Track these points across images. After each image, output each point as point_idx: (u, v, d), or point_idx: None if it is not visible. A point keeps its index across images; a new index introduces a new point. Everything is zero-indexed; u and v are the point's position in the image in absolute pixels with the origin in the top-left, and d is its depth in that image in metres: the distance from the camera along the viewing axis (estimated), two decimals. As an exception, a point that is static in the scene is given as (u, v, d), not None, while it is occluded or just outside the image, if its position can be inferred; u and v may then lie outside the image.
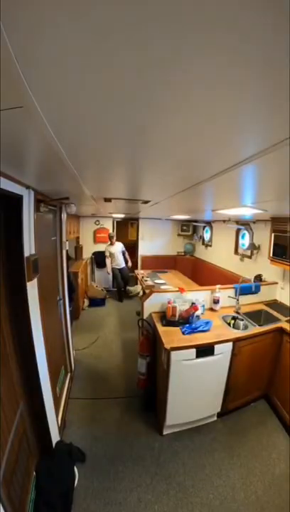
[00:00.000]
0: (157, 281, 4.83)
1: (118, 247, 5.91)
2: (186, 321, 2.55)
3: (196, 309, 2.60)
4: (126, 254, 6.15)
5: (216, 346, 2.24)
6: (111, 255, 5.85)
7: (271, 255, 3.01)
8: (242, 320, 2.72)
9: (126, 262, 6.08)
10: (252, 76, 0.43)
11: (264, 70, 0.41)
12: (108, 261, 5.88)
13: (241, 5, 0.29)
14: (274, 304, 3.24)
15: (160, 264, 6.66)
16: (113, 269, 5.93)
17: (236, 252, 4.58)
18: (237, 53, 0.37)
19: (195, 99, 0.52)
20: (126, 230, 8.79)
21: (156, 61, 0.40)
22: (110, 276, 6.29)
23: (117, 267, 5.92)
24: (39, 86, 0.48)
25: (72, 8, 0.30)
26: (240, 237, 4.43)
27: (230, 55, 0.38)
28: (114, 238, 5.91)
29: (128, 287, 6.29)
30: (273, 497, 1.86)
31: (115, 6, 0.30)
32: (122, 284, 6.13)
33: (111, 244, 5.86)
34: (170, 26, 0.33)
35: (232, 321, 2.75)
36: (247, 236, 4.10)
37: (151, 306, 2.82)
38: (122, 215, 6.14)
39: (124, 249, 6.06)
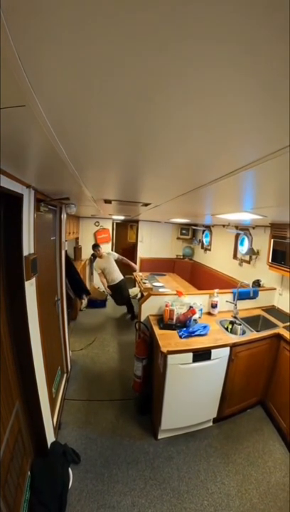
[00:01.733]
0: (155, 283, 4.82)
1: (108, 259, 4.92)
2: (183, 325, 2.54)
3: (194, 313, 2.59)
4: (124, 259, 5.16)
5: (213, 351, 2.23)
6: (104, 271, 4.87)
7: (269, 261, 3.02)
8: (240, 325, 2.72)
9: (129, 265, 5.20)
10: (253, 84, 0.43)
11: (266, 78, 0.41)
12: (102, 279, 4.89)
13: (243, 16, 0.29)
14: (272, 310, 3.24)
15: (159, 266, 6.65)
16: (110, 288, 4.99)
17: (235, 256, 4.59)
18: (238, 61, 0.37)
19: (196, 106, 0.52)
20: (126, 232, 8.82)
21: (158, 66, 0.40)
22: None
23: (113, 282, 4.92)
24: (42, 85, 0.48)
25: (75, 6, 0.30)
26: (239, 242, 4.44)
27: (232, 63, 0.38)
28: (101, 249, 4.87)
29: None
30: (268, 506, 1.85)
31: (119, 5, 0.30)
32: (127, 302, 5.20)
33: (100, 257, 4.88)
34: (172, 36, 0.33)
35: (230, 326, 2.74)
36: (246, 241, 4.11)
37: (149, 308, 2.82)
38: (122, 217, 6.13)
39: (116, 257, 5.06)
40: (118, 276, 4.97)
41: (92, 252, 6.52)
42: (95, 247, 4.91)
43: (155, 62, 0.39)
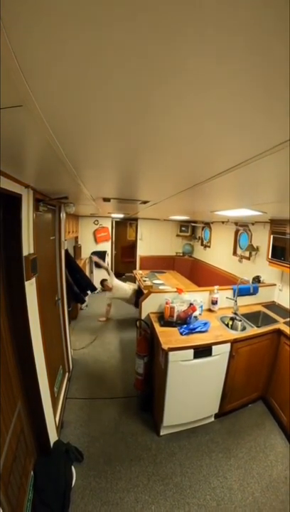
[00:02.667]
0: (155, 281, 4.82)
1: (115, 288, 4.72)
2: (184, 322, 2.55)
3: (194, 310, 2.60)
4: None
5: (214, 347, 2.24)
6: (118, 293, 4.72)
7: (269, 257, 3.02)
8: (240, 321, 2.72)
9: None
10: (252, 78, 0.43)
11: (265, 73, 0.41)
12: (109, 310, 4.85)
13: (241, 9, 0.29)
14: (272, 306, 3.25)
15: (159, 264, 6.66)
16: (128, 301, 4.86)
17: (234, 253, 4.59)
18: (237, 56, 0.37)
19: (194, 102, 0.52)
20: (125, 230, 8.79)
21: (156, 63, 0.40)
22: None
23: (127, 296, 4.76)
24: (38, 84, 0.48)
25: (72, 3, 0.30)
26: (239, 238, 4.44)
27: (230, 57, 0.38)
28: (108, 281, 4.70)
29: None
30: (270, 499, 1.86)
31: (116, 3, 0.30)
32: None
33: (109, 290, 4.71)
34: (170, 30, 0.33)
35: (230, 322, 2.75)
36: (246, 237, 4.11)
37: (149, 306, 2.82)
38: (121, 215, 6.12)
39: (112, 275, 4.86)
40: (127, 289, 4.78)
41: (91, 251, 6.57)
42: (104, 281, 4.73)
43: (153, 58, 0.39)
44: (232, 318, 2.81)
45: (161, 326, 2.54)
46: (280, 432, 2.45)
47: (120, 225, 7.83)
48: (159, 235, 7.04)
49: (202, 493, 1.91)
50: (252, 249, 3.82)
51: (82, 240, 6.49)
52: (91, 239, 6.68)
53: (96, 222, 6.62)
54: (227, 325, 2.68)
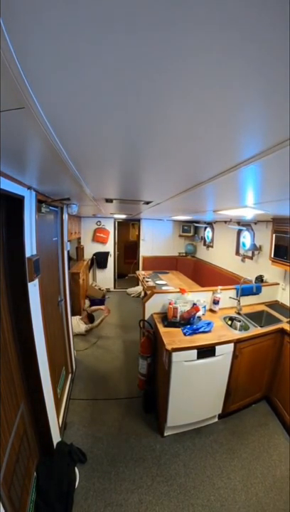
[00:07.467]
0: (158, 281, 4.82)
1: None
2: (187, 322, 2.54)
3: (197, 310, 2.59)
4: None
5: (217, 347, 2.23)
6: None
7: (272, 256, 3.01)
8: (239, 321, 2.72)
9: None
10: (253, 77, 0.43)
11: (265, 71, 0.41)
12: None
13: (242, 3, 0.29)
14: (275, 305, 3.24)
15: (162, 264, 6.66)
16: None
17: (237, 253, 4.58)
18: (237, 53, 0.37)
19: (196, 101, 0.52)
20: (128, 230, 8.80)
21: (156, 61, 0.40)
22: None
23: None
24: (41, 87, 0.48)
25: (75, 4, 0.30)
26: (241, 238, 4.43)
27: (231, 55, 0.38)
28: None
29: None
30: (274, 499, 1.85)
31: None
32: None
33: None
34: (169, 23, 0.33)
35: (233, 322, 2.75)
36: (248, 237, 4.10)
37: (152, 306, 2.82)
38: (123, 216, 6.12)
39: None
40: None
41: (94, 251, 6.59)
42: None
43: (151, 56, 0.39)
44: (232, 318, 2.80)
45: (165, 326, 2.54)
46: (283, 432, 2.44)
47: (122, 226, 7.83)
48: (162, 235, 7.04)
49: (206, 493, 1.91)
50: (255, 248, 3.80)
51: (85, 240, 6.50)
52: (92, 238, 6.67)
53: (98, 223, 6.62)
54: (230, 325, 2.67)
